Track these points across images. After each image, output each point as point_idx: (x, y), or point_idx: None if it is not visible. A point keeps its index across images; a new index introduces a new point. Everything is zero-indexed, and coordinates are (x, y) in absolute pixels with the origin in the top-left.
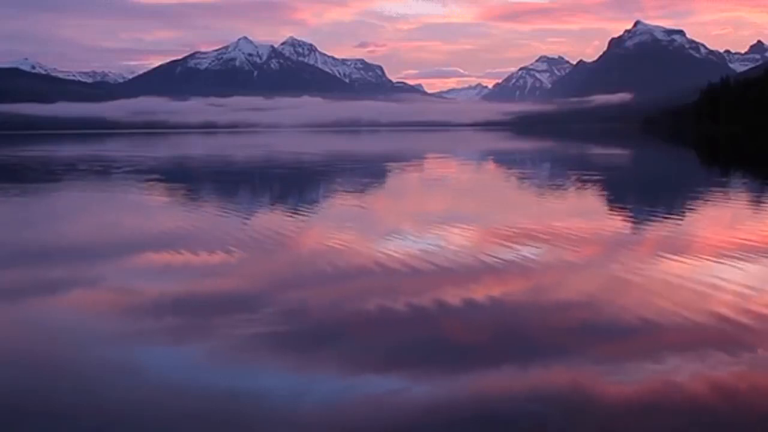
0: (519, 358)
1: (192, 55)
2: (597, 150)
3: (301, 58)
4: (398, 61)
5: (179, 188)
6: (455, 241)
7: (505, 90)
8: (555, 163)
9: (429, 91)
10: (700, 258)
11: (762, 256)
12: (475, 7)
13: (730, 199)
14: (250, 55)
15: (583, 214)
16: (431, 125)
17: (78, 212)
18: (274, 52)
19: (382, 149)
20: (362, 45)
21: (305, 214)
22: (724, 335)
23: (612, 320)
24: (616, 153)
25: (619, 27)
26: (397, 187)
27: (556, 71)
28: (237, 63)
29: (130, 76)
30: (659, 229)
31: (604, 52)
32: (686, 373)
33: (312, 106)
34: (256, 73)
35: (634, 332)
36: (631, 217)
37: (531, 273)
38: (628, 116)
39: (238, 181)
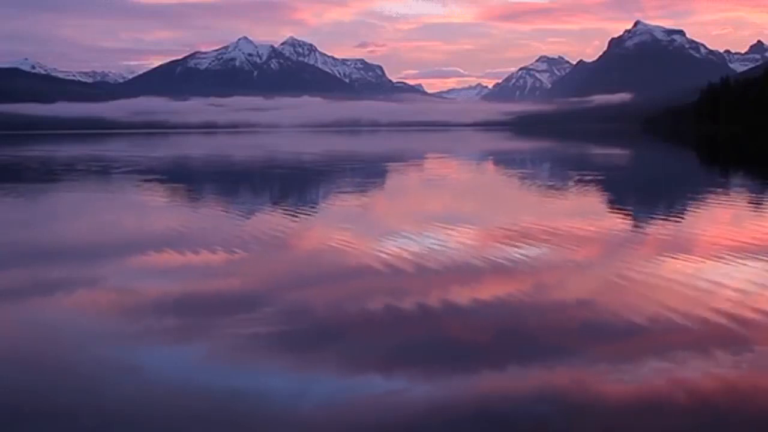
0: (520, 358)
1: (192, 55)
2: (597, 150)
3: (301, 58)
4: (398, 61)
5: (179, 188)
6: (456, 241)
7: (505, 90)
8: (555, 164)
9: (429, 91)
10: (701, 258)
11: (763, 257)
12: (475, 7)
13: (730, 199)
14: (250, 55)
15: (583, 214)
16: (431, 125)
17: (78, 212)
18: (274, 52)
19: (382, 149)
20: (362, 45)
21: (306, 214)
22: (725, 335)
23: (613, 320)
24: (616, 153)
25: (619, 27)
26: (397, 187)
27: (556, 71)
28: (237, 63)
29: (130, 76)
30: (660, 229)
31: (604, 52)
32: (687, 373)
33: (312, 106)
34: (256, 73)
35: (635, 332)
36: (631, 217)
37: (531, 273)
38: (628, 116)
39: (239, 181)
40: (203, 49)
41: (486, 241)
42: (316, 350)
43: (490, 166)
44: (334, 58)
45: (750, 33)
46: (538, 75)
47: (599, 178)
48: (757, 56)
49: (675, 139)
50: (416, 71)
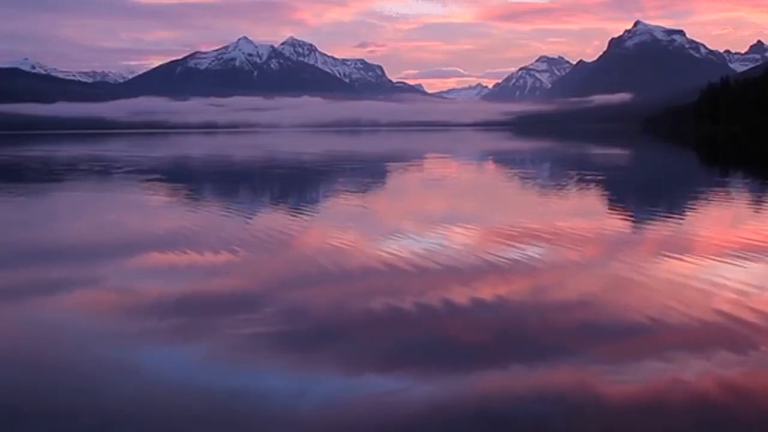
0: (520, 357)
1: (192, 55)
2: (597, 150)
3: (301, 58)
4: (398, 61)
5: (180, 188)
6: (456, 241)
7: (505, 90)
8: (555, 163)
9: (429, 91)
10: (702, 257)
11: (763, 256)
12: (475, 7)
13: (730, 199)
14: (250, 55)
15: (584, 214)
16: (431, 125)
17: (79, 212)
18: (274, 52)
19: (382, 149)
20: (362, 45)
21: (306, 214)
22: (725, 335)
23: (614, 320)
24: (616, 153)
25: (619, 27)
26: (397, 187)
27: (556, 71)
28: (237, 63)
29: (130, 76)
30: (660, 228)
31: (604, 52)
32: (688, 372)
33: (312, 106)
34: (256, 73)
35: (636, 332)
36: (632, 217)
37: (532, 273)
38: (628, 116)
39: (239, 181)
40: (203, 49)
41: (486, 241)
42: (316, 350)
43: (490, 166)
44: (334, 58)
45: (750, 33)
46: (538, 75)
47: (599, 178)
48: (757, 56)
49: (675, 139)
50: (416, 71)
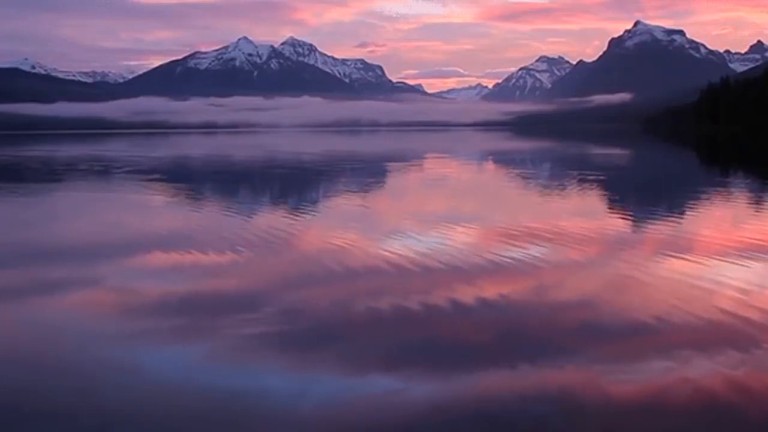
0: (520, 358)
1: (192, 55)
2: (597, 150)
3: (301, 58)
4: (398, 61)
5: (180, 188)
6: (456, 241)
7: (505, 90)
8: (556, 163)
9: (429, 91)
10: (702, 257)
11: (763, 256)
12: (475, 7)
13: (730, 198)
14: (250, 55)
15: (584, 214)
16: (431, 125)
17: (79, 212)
18: (274, 52)
19: (382, 149)
20: (362, 45)
21: (306, 214)
22: (727, 334)
23: (615, 319)
24: (617, 153)
25: (619, 27)
26: (398, 187)
27: (556, 71)
28: (237, 63)
29: (130, 76)
30: (661, 228)
31: (604, 52)
32: (689, 372)
33: (312, 106)
34: (256, 73)
35: (637, 331)
36: (632, 216)
37: (532, 273)
38: (628, 116)
39: (239, 182)
40: (203, 49)
41: (487, 241)
42: (316, 350)
43: (490, 166)
44: (334, 58)
45: (750, 33)
46: (538, 75)
47: (600, 178)
48: (757, 56)
49: (675, 139)
50: (416, 71)
